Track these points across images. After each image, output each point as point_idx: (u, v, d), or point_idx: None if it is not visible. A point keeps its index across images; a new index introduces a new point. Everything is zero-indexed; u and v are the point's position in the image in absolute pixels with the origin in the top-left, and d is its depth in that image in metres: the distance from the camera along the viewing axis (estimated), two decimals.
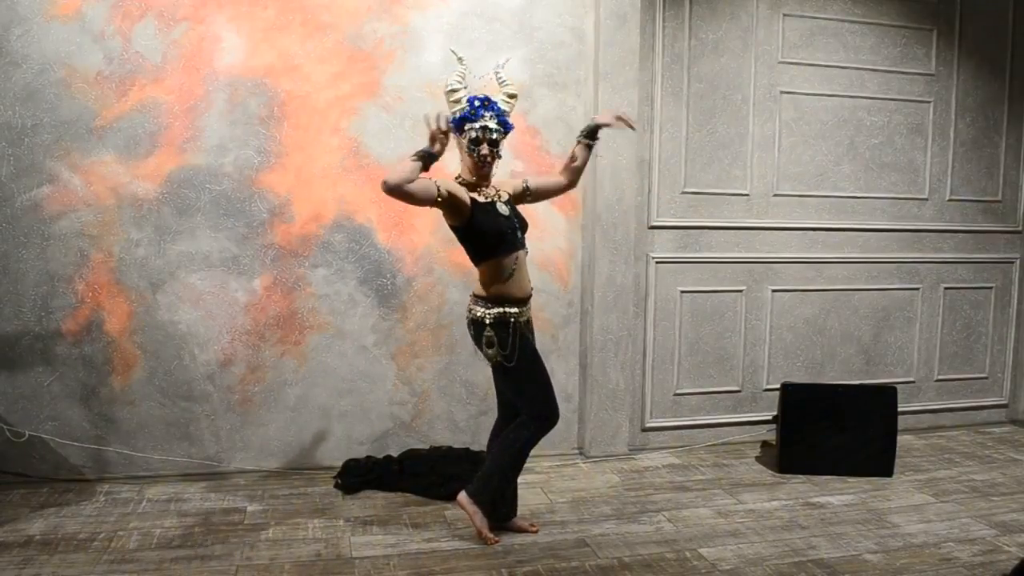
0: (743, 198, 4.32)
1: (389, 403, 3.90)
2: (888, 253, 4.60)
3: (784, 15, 4.29)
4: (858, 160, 4.49)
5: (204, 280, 3.66)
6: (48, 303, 3.52)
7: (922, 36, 4.53)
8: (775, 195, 4.37)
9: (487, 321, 2.91)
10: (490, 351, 2.93)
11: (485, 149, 2.88)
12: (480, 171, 2.92)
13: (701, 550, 3.01)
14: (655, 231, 4.18)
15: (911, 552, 3.02)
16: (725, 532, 3.19)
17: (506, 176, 3.83)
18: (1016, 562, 2.61)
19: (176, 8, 3.53)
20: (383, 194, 2.66)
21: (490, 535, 3.02)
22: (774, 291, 4.41)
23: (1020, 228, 4.84)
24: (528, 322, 3.03)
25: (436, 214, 3.81)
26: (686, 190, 4.22)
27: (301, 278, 3.75)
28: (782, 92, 4.32)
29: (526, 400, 3.00)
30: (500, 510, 3.11)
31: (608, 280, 4.02)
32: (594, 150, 3.17)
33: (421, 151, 2.73)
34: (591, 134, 3.09)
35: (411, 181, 2.68)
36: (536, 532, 3.13)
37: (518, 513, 3.19)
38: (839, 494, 3.62)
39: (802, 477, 3.84)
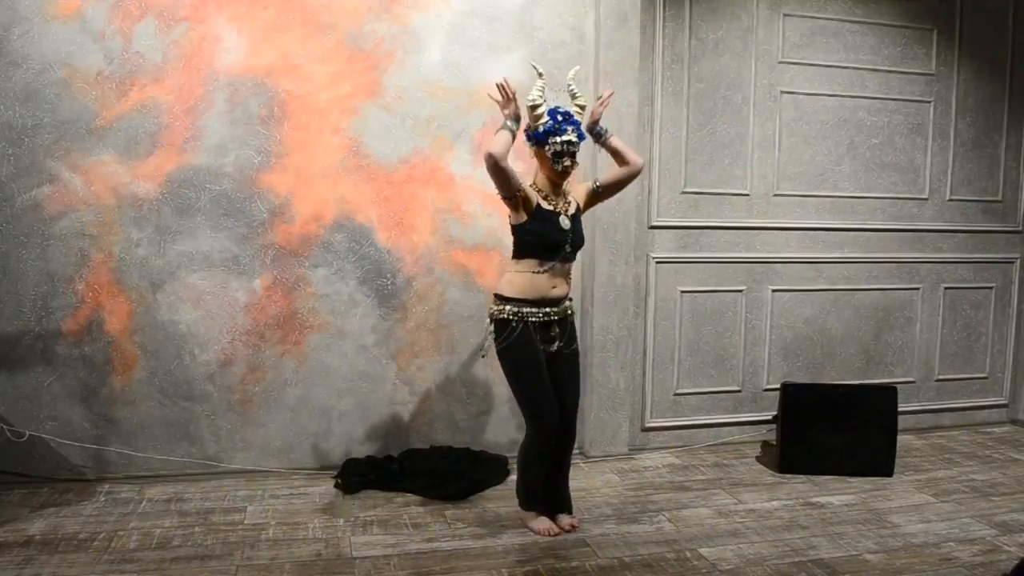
0: (743, 198, 4.32)
1: (389, 403, 3.90)
2: (888, 253, 4.60)
3: (784, 15, 4.29)
4: (858, 160, 4.49)
5: (204, 280, 3.66)
6: (48, 303, 3.52)
7: (922, 36, 4.53)
8: (775, 195, 4.37)
9: (494, 316, 3.03)
10: (488, 346, 3.06)
11: (568, 161, 2.98)
12: (559, 180, 3.03)
13: (701, 550, 3.01)
14: (655, 231, 4.18)
15: (911, 552, 3.02)
16: (725, 532, 3.19)
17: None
18: (1016, 562, 2.61)
19: (176, 8, 3.53)
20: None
21: (543, 527, 3.12)
22: (774, 291, 4.41)
23: (1020, 228, 4.84)
24: (550, 327, 3.06)
25: (435, 214, 3.81)
26: (686, 190, 4.22)
27: (301, 278, 3.75)
28: (782, 92, 4.32)
29: (519, 403, 3.10)
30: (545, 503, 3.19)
31: (608, 280, 4.02)
32: (603, 138, 3.17)
33: (505, 122, 2.92)
34: (595, 134, 3.15)
35: (507, 151, 2.86)
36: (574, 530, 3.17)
37: (571, 511, 3.25)
38: (839, 494, 3.62)
39: (802, 477, 3.84)
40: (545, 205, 3.01)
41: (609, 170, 3.24)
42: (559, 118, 2.95)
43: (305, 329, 3.77)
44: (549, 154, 2.96)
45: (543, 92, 2.97)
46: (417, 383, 3.92)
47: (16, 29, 3.40)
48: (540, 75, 2.98)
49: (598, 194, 3.19)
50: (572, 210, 3.08)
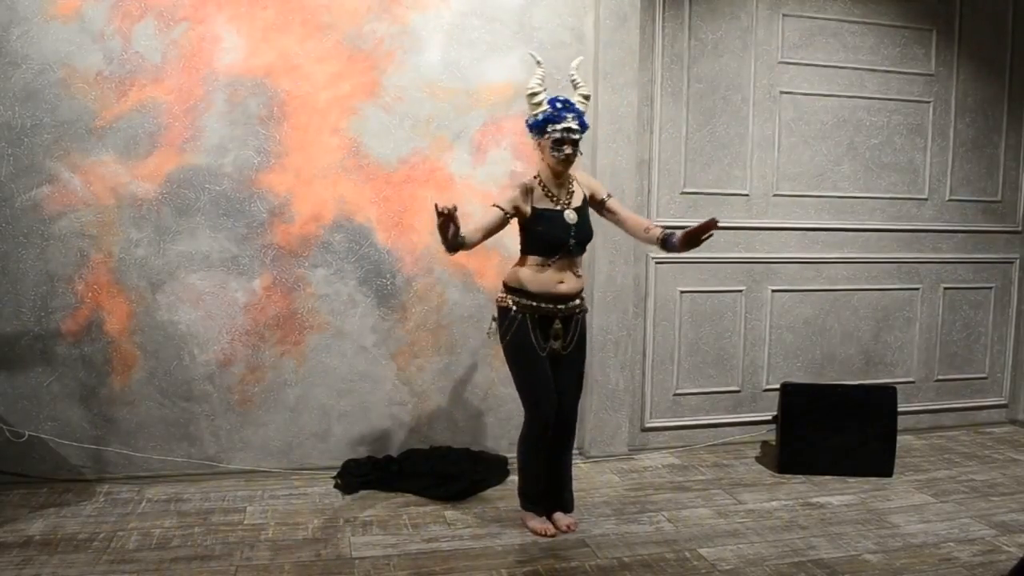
0: (743, 198, 4.32)
1: (389, 403, 3.90)
2: (888, 253, 4.60)
3: (784, 15, 4.29)
4: (858, 160, 4.50)
5: (204, 280, 3.65)
6: (48, 303, 3.52)
7: (922, 36, 4.53)
8: (775, 195, 4.37)
9: (499, 303, 3.09)
10: (493, 331, 3.12)
11: (569, 149, 2.93)
12: (562, 170, 2.98)
13: (701, 550, 3.01)
14: None
15: (911, 552, 3.02)
16: (725, 532, 3.19)
17: (506, 176, 3.84)
18: (1015, 562, 2.61)
19: (176, 8, 3.53)
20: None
21: (539, 527, 3.13)
22: (774, 291, 4.41)
23: (1020, 228, 4.84)
24: (551, 323, 3.04)
25: (435, 214, 3.80)
26: (686, 190, 4.21)
27: (301, 278, 3.75)
28: (782, 92, 4.32)
29: (518, 391, 3.13)
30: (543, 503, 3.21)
31: (608, 280, 4.02)
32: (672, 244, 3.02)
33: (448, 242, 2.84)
34: (666, 245, 2.98)
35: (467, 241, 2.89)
36: (573, 531, 3.17)
37: (571, 511, 3.25)
38: (839, 494, 3.62)
39: (802, 477, 3.84)
40: (546, 204, 2.98)
41: (625, 210, 3.15)
42: (558, 105, 2.92)
43: (304, 329, 3.77)
44: (549, 143, 2.92)
45: (542, 81, 2.96)
46: (417, 383, 3.92)
47: (15, 29, 3.40)
48: (539, 63, 2.98)
49: (601, 206, 3.11)
50: (578, 202, 3.04)
